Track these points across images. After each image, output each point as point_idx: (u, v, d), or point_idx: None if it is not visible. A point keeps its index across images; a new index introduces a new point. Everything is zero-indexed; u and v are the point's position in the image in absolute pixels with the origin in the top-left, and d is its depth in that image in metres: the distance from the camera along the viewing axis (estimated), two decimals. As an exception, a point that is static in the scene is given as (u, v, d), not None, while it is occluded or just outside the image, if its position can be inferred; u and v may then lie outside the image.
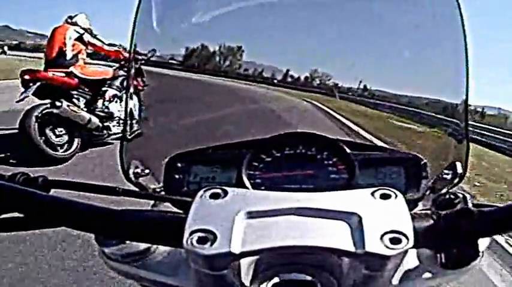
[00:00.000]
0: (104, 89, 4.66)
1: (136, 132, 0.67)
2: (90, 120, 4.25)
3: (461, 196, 0.39)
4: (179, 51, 0.91)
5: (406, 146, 0.78)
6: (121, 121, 4.65)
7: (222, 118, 0.88)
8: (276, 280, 0.39)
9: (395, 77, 0.80)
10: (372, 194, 0.38)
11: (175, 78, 0.94)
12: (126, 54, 4.59)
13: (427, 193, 0.66)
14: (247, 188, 0.65)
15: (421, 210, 0.62)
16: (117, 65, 4.97)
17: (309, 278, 0.39)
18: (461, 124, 0.66)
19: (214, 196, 0.39)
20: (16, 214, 0.43)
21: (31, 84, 3.91)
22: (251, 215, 0.37)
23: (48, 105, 3.93)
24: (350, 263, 0.39)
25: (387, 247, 0.33)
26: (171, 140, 0.80)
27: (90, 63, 4.93)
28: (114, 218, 0.40)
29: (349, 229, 0.35)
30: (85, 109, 4.34)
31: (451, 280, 0.45)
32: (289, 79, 0.90)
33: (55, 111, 3.91)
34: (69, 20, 4.70)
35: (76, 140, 4.29)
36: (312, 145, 0.69)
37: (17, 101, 3.91)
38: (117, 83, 4.79)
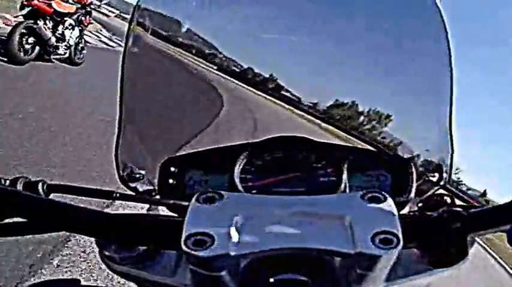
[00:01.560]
0: (65, 18, 6.87)
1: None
2: (50, 38, 6.26)
3: (447, 197, 0.41)
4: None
5: (393, 150, 0.79)
6: (67, 46, 6.96)
7: (214, 121, 0.88)
8: (271, 280, 0.41)
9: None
10: (362, 197, 0.40)
11: (180, 72, 0.92)
12: (88, 0, 7.48)
13: (414, 195, 0.68)
14: (240, 192, 0.66)
15: (409, 211, 0.64)
16: (79, 5, 7.42)
17: (304, 278, 0.40)
18: (446, 126, 0.68)
19: (210, 200, 0.40)
20: (18, 219, 0.43)
21: (26, 8, 6.10)
22: (247, 218, 0.38)
23: (31, 22, 5.95)
24: (343, 263, 0.41)
25: (378, 247, 0.35)
26: (164, 144, 0.81)
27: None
28: (113, 222, 0.40)
29: (342, 230, 0.37)
30: (50, 30, 6.42)
31: (439, 279, 0.47)
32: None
33: (35, 26, 5.96)
34: None
35: (36, 49, 6.16)
36: (301, 148, 0.71)
37: (15, 17, 6.61)
38: (75, 16, 7.14)
